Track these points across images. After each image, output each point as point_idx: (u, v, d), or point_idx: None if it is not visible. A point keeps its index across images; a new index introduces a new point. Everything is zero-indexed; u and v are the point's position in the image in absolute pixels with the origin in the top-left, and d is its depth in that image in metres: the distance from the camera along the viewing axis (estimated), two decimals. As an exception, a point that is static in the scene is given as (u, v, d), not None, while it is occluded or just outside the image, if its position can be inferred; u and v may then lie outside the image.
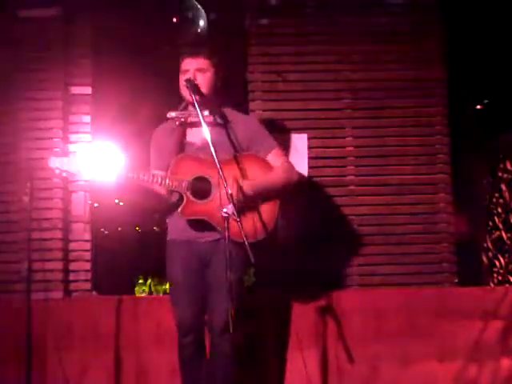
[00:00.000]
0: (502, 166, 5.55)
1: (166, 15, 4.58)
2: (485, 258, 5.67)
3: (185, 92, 3.37)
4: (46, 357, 4.04)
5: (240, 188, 3.27)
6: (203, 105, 3.26)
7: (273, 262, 4.09)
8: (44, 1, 4.40)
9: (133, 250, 6.11)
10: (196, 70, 3.38)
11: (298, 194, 3.94)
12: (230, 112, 3.49)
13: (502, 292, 4.17)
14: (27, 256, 3.67)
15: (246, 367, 3.90)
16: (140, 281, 5.62)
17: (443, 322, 4.08)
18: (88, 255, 4.35)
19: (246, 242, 2.91)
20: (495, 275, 5.53)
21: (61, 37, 4.41)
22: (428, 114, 4.43)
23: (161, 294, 5.24)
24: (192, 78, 3.34)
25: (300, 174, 3.70)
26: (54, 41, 4.40)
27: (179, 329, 3.39)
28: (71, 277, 4.32)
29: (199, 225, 3.34)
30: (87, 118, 4.42)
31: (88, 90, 4.44)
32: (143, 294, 5.41)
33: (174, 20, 4.51)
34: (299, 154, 4.28)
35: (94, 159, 3.32)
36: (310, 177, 4.32)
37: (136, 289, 5.53)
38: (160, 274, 5.19)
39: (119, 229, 6.48)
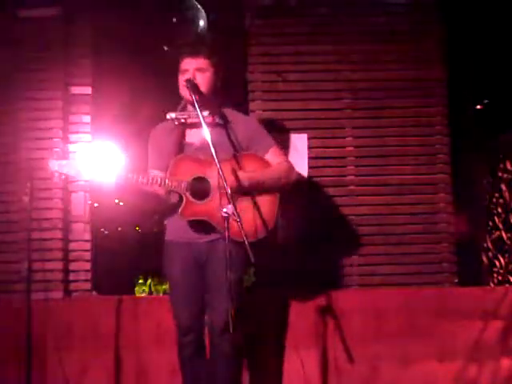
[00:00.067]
0: (502, 165, 5.55)
1: (166, 15, 4.57)
2: (485, 258, 5.67)
3: (184, 92, 3.37)
4: (45, 357, 4.04)
5: (236, 178, 3.27)
6: (203, 105, 3.26)
7: (273, 262, 4.09)
8: (44, 1, 4.40)
9: (133, 250, 6.10)
10: (195, 70, 3.38)
11: (298, 194, 3.95)
12: (229, 112, 3.49)
13: (501, 292, 4.16)
14: (27, 256, 3.67)
15: (246, 367, 3.90)
16: (140, 281, 5.61)
17: (443, 322, 4.08)
18: (88, 255, 4.35)
19: (246, 242, 2.91)
20: (495, 275, 5.52)
21: (61, 37, 4.42)
22: (428, 114, 4.43)
23: (161, 294, 5.23)
24: (192, 78, 3.34)
25: (299, 173, 3.69)
26: (54, 41, 4.41)
27: (178, 328, 3.40)
28: (71, 277, 4.33)
29: (199, 225, 3.34)
30: (87, 118, 4.42)
31: (88, 90, 4.44)
32: (143, 294, 5.40)
33: (174, 20, 4.51)
34: (299, 154, 4.28)
35: (94, 161, 3.31)
36: (309, 177, 4.32)
37: (136, 289, 5.52)
38: (160, 274, 5.19)
39: (119, 229, 6.48)
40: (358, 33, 4.45)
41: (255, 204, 3.35)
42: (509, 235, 5.42)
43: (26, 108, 4.36)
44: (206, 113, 3.29)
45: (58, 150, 4.31)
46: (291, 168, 3.51)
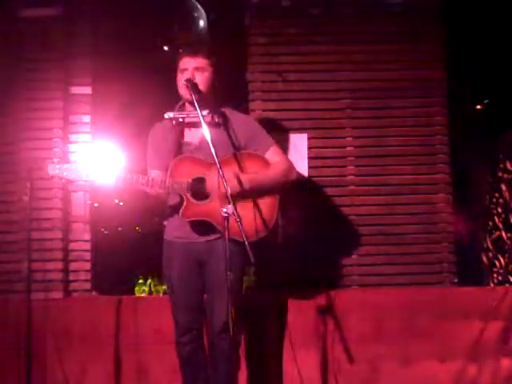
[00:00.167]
0: (502, 165, 5.55)
1: (166, 15, 4.58)
2: (485, 258, 5.67)
3: (184, 91, 3.37)
4: (45, 357, 4.04)
5: (239, 182, 3.27)
6: (202, 104, 3.25)
7: (273, 262, 4.09)
8: (44, 1, 4.40)
9: (133, 250, 6.11)
10: (194, 69, 3.38)
11: (298, 194, 3.95)
12: (228, 112, 3.49)
13: (502, 292, 4.16)
14: (27, 256, 3.68)
15: (246, 367, 3.90)
16: (140, 281, 5.62)
17: (443, 322, 4.08)
18: (88, 255, 4.35)
19: (246, 242, 2.91)
20: (495, 275, 5.53)
21: (61, 37, 4.41)
22: (428, 114, 4.43)
23: (161, 294, 5.24)
24: (191, 78, 3.34)
25: (299, 173, 3.69)
26: (54, 41, 4.40)
27: (178, 328, 3.40)
28: (71, 277, 4.33)
29: (200, 226, 3.35)
30: (87, 118, 4.42)
31: (88, 89, 4.44)
32: (143, 294, 5.41)
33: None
34: (299, 154, 4.28)
35: (94, 163, 3.31)
36: (309, 177, 4.32)
37: (136, 289, 5.53)
38: (160, 274, 5.18)
39: (119, 229, 6.49)
40: (358, 33, 4.45)
41: (255, 204, 3.35)
42: (509, 235, 5.42)
43: (26, 108, 4.36)
44: (205, 112, 3.29)
45: (57, 149, 4.33)
46: (291, 167, 3.51)
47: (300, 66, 4.43)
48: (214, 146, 3.06)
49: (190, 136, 3.46)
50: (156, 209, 4.68)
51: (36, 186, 3.91)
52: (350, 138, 4.41)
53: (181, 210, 3.30)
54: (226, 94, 3.54)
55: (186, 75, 3.36)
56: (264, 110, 4.40)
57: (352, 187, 4.38)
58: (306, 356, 4.00)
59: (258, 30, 4.45)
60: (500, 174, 5.57)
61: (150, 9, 4.55)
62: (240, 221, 2.95)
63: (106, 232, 6.12)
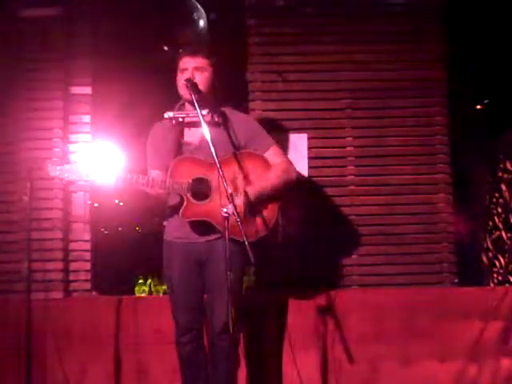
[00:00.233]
0: (502, 165, 5.55)
1: (166, 15, 4.58)
2: (485, 258, 5.67)
3: (183, 91, 3.37)
4: (45, 357, 4.04)
5: (247, 198, 3.28)
6: (201, 104, 3.25)
7: (273, 262, 4.09)
8: (44, 1, 4.40)
9: (133, 250, 6.11)
10: (194, 69, 3.38)
11: (298, 194, 3.94)
12: (228, 111, 3.49)
13: (502, 292, 4.16)
14: (27, 256, 3.68)
15: (246, 367, 3.90)
16: (140, 281, 5.62)
17: (443, 322, 4.08)
18: (88, 255, 4.35)
19: (247, 242, 2.91)
20: (495, 275, 5.53)
21: (61, 37, 4.41)
22: (428, 114, 4.43)
23: (161, 294, 5.24)
24: (191, 78, 3.34)
25: (299, 172, 3.69)
26: (54, 41, 4.40)
27: (178, 328, 3.40)
28: (71, 277, 4.33)
29: (200, 226, 3.34)
30: (87, 118, 4.42)
31: (88, 89, 4.44)
32: (143, 294, 5.41)
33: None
34: (299, 154, 4.28)
35: (94, 163, 3.31)
36: (309, 177, 4.32)
37: (136, 289, 5.53)
38: (160, 274, 5.19)
39: (119, 229, 6.49)
40: (359, 33, 4.45)
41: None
42: (509, 235, 5.42)
43: (26, 108, 4.36)
44: (204, 111, 3.29)
45: (57, 149, 4.33)
46: (291, 166, 3.51)
47: (300, 66, 4.43)
48: (213, 146, 3.06)
49: (190, 136, 3.46)
50: (156, 209, 4.69)
51: (36, 186, 3.91)
52: (350, 138, 4.41)
53: (181, 210, 3.30)
54: (226, 94, 3.54)
55: (186, 75, 3.35)
56: (264, 110, 4.40)
57: (352, 187, 4.38)
58: (306, 356, 4.00)
59: (258, 29, 4.45)
60: (500, 174, 5.58)
61: (150, 9, 4.55)
62: (240, 221, 2.95)
63: (106, 232, 6.12)
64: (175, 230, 3.43)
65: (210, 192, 3.32)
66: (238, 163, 3.37)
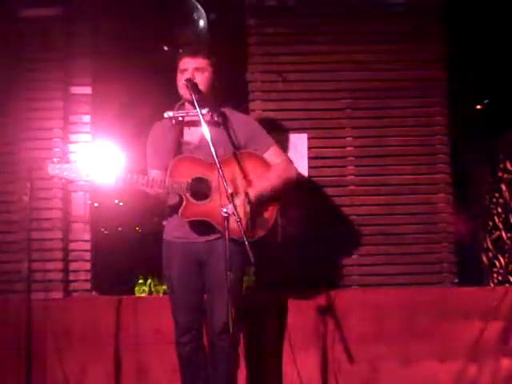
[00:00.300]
0: (502, 165, 5.55)
1: (166, 15, 4.58)
2: (485, 258, 5.67)
3: (183, 91, 3.37)
4: (45, 357, 4.04)
5: (248, 201, 3.27)
6: (202, 104, 3.25)
7: (273, 262, 4.09)
8: (44, 1, 4.40)
9: (133, 250, 6.11)
10: (194, 70, 3.38)
11: (298, 194, 3.94)
12: (228, 111, 3.49)
13: (502, 292, 4.16)
14: (27, 256, 3.68)
15: (246, 367, 3.90)
16: (140, 281, 5.62)
17: (443, 322, 4.08)
18: (88, 255, 4.35)
19: (246, 242, 2.91)
20: (495, 275, 5.53)
21: (61, 37, 4.41)
22: (428, 114, 4.43)
23: (161, 294, 5.24)
24: (191, 78, 3.34)
25: (299, 171, 3.69)
26: (54, 41, 4.40)
27: (177, 328, 3.40)
28: (71, 277, 4.33)
29: (199, 226, 3.34)
30: (87, 118, 4.42)
31: (88, 89, 4.44)
32: (143, 294, 5.41)
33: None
34: (299, 154, 4.28)
35: (94, 163, 3.31)
36: (309, 177, 4.32)
37: (136, 289, 5.53)
38: (160, 274, 5.19)
39: (119, 229, 6.49)
40: (358, 33, 4.45)
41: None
42: (509, 235, 5.42)
43: (26, 108, 4.36)
44: (204, 111, 3.29)
45: (57, 149, 4.33)
46: (291, 166, 3.51)
47: (300, 66, 4.43)
48: (213, 146, 3.06)
49: (190, 135, 3.46)
50: (156, 209, 4.68)
51: (36, 186, 3.90)
52: (350, 138, 4.41)
53: (180, 210, 3.30)
54: (226, 94, 3.54)
55: (186, 75, 3.35)
56: (264, 110, 4.40)
57: (352, 187, 4.38)
58: (306, 356, 4.00)
59: (258, 29, 4.45)
60: (500, 174, 5.58)
61: (150, 9, 4.55)
62: (240, 221, 2.95)
63: (106, 232, 6.12)
64: (175, 230, 3.43)
65: (209, 192, 3.32)
66: (238, 163, 3.37)
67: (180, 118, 3.40)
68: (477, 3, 4.56)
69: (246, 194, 3.30)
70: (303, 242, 4.18)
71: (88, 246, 4.36)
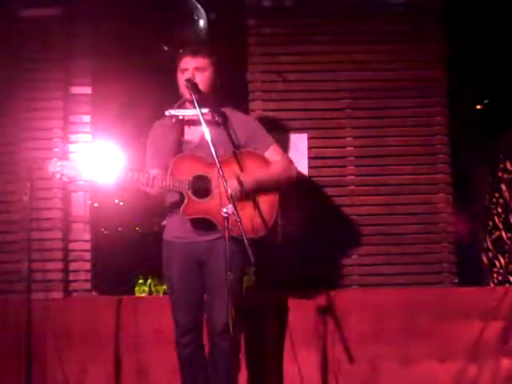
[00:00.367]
0: (502, 165, 5.55)
1: (166, 15, 4.58)
2: (485, 258, 5.67)
3: (184, 91, 3.37)
4: (45, 357, 4.04)
5: (240, 184, 3.27)
6: (202, 104, 3.25)
7: (273, 262, 4.09)
8: (44, 1, 4.40)
9: (133, 250, 6.11)
10: (195, 69, 3.38)
11: (298, 194, 3.95)
12: (228, 111, 3.49)
13: (502, 292, 4.16)
14: (27, 256, 3.68)
15: (246, 367, 3.90)
16: (140, 281, 5.62)
17: (443, 322, 4.08)
18: (88, 255, 4.35)
19: (246, 242, 2.91)
20: (495, 275, 5.53)
21: (61, 37, 4.41)
22: (428, 114, 4.43)
23: (161, 294, 5.24)
24: (191, 78, 3.34)
25: (299, 170, 3.69)
26: (54, 41, 4.40)
27: (177, 328, 3.40)
28: (71, 277, 4.33)
29: (200, 224, 3.34)
30: (87, 118, 4.42)
31: (88, 89, 4.44)
32: (143, 294, 5.41)
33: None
34: (299, 154, 4.28)
35: (94, 162, 3.31)
36: (309, 177, 4.32)
37: (136, 289, 5.53)
38: (160, 274, 5.19)
39: (119, 229, 6.49)
40: (358, 33, 4.45)
41: (255, 202, 3.35)
42: (509, 235, 5.42)
43: (26, 108, 4.36)
44: (205, 110, 3.29)
45: (57, 149, 4.33)
46: (291, 164, 3.52)
47: (300, 66, 4.43)
48: (213, 145, 3.06)
49: (190, 134, 3.46)
50: (156, 209, 4.68)
51: (36, 186, 3.90)
52: (350, 138, 4.41)
53: (182, 208, 3.30)
54: (226, 94, 3.54)
55: (187, 75, 3.36)
56: (264, 110, 4.40)
57: (352, 187, 4.38)
58: (306, 356, 4.00)
59: (258, 29, 4.45)
60: (500, 174, 5.58)
61: (150, 9, 4.55)
62: (240, 221, 2.95)
63: (106, 232, 6.12)
64: (175, 230, 3.43)
65: (210, 189, 3.32)
66: (238, 162, 3.37)
67: (181, 117, 3.40)
68: (477, 3, 4.56)
69: (238, 179, 3.29)
70: (303, 242, 4.18)
71: (88, 246, 4.36)
